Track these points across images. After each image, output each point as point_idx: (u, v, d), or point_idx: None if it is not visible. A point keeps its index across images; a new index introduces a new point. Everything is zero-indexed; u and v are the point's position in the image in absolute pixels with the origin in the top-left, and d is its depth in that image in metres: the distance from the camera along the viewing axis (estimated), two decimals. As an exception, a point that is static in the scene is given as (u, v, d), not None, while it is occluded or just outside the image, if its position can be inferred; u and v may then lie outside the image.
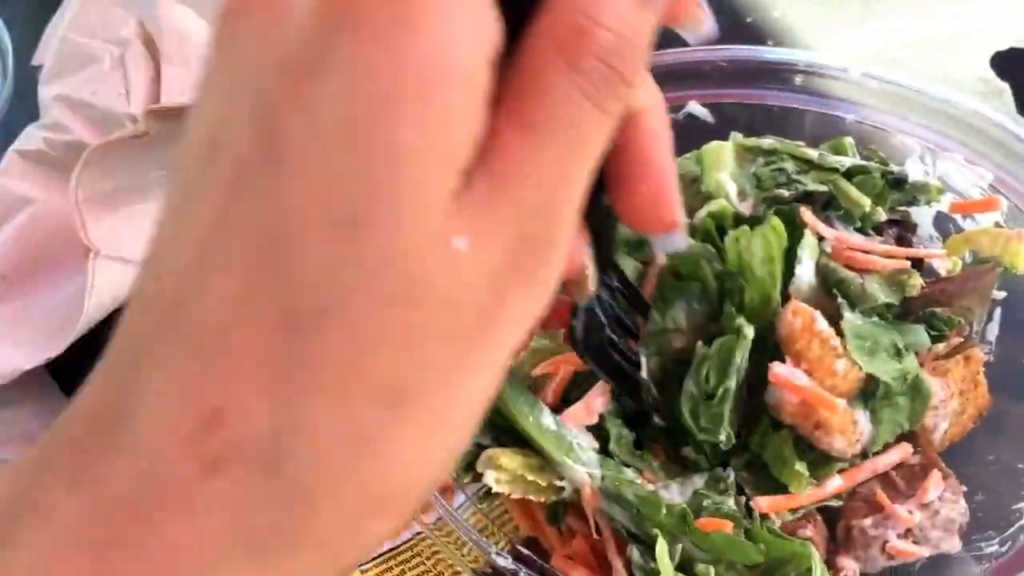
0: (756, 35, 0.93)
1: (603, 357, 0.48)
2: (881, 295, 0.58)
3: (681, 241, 0.40)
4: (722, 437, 0.55)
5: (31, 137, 0.80)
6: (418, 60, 0.26)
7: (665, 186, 0.34)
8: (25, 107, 0.85)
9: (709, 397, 0.56)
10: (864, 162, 0.66)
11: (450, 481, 0.57)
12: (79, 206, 0.71)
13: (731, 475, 0.55)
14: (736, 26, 0.94)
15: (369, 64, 0.26)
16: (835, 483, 0.55)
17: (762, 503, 0.54)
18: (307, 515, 0.27)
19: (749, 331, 0.55)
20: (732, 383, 0.55)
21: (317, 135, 0.26)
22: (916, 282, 0.59)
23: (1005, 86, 0.86)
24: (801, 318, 0.55)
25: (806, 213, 0.60)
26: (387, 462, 0.28)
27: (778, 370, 0.54)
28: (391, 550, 0.63)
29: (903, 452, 0.56)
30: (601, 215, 0.37)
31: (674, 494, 0.54)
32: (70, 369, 0.72)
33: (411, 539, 0.64)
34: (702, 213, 0.62)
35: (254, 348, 0.26)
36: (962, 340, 0.60)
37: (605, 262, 0.43)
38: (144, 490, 0.26)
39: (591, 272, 0.39)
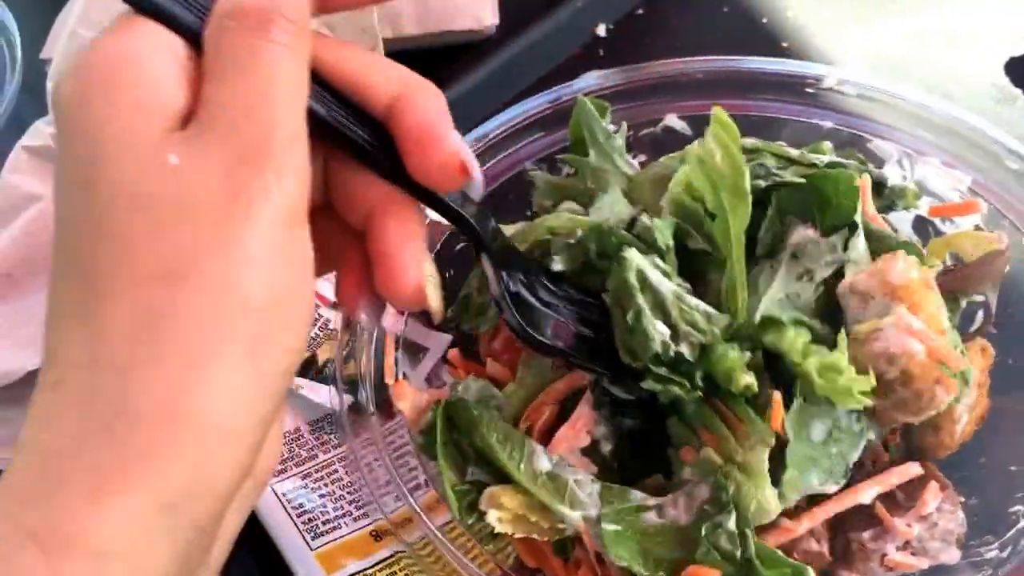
0: (770, 35, 0.92)
1: (542, 338, 0.54)
2: None
3: (477, 189, 0.45)
4: (656, 348, 0.53)
5: (39, 132, 0.78)
6: (104, 66, 0.37)
7: (435, 140, 0.41)
8: (33, 102, 0.84)
9: (630, 331, 0.54)
10: (843, 160, 0.65)
11: (435, 498, 0.56)
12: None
13: (732, 488, 0.52)
14: (751, 27, 0.93)
15: (86, 73, 0.37)
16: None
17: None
18: (133, 385, 0.34)
19: (630, 253, 0.55)
20: (639, 300, 0.54)
21: (61, 133, 0.37)
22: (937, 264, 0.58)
23: (1019, 92, 0.84)
24: (918, 272, 0.53)
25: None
26: (184, 327, 0.35)
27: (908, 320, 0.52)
28: (362, 571, 0.61)
29: (907, 473, 0.55)
30: (483, 231, 0.48)
31: (680, 511, 0.52)
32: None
33: (386, 560, 0.62)
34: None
35: (53, 301, 0.37)
36: (980, 325, 0.60)
37: (506, 263, 0.52)
38: (21, 432, 0.35)
39: (434, 298, 0.44)
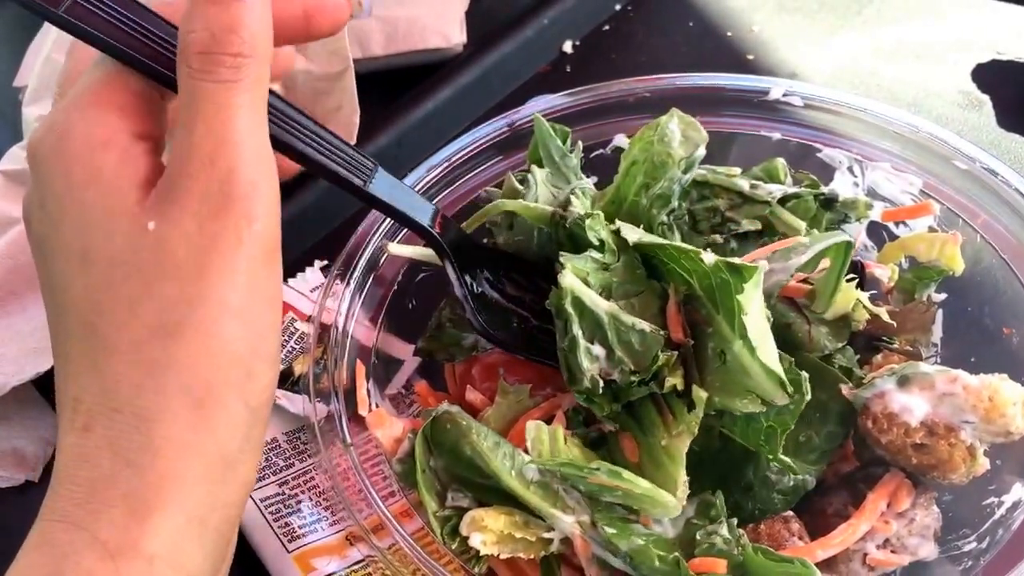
0: (735, 49, 0.88)
1: (507, 335, 0.53)
2: (827, 343, 0.53)
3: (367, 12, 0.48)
4: (587, 384, 0.50)
5: (15, 158, 0.76)
6: (76, 144, 0.39)
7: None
8: (8, 128, 0.81)
9: (569, 351, 0.51)
10: (795, 188, 0.62)
11: (406, 507, 0.52)
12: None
13: (720, 500, 0.49)
14: (716, 41, 0.89)
15: (59, 162, 0.39)
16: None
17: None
18: (149, 427, 0.37)
19: (565, 278, 0.51)
20: (575, 330, 0.50)
21: (52, 214, 0.40)
22: (862, 316, 0.54)
23: (986, 98, 0.80)
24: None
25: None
26: (182, 376, 0.37)
27: None
28: (338, 573, 0.57)
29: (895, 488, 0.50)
30: (441, 236, 0.50)
31: (666, 526, 0.49)
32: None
33: (360, 561, 0.57)
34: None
35: (65, 354, 0.39)
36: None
37: (469, 262, 0.52)
38: (58, 460, 0.38)
39: None
